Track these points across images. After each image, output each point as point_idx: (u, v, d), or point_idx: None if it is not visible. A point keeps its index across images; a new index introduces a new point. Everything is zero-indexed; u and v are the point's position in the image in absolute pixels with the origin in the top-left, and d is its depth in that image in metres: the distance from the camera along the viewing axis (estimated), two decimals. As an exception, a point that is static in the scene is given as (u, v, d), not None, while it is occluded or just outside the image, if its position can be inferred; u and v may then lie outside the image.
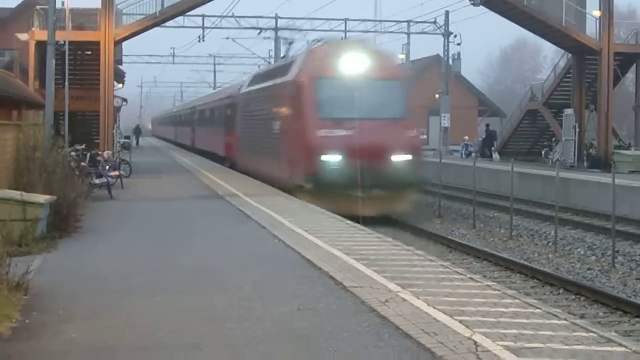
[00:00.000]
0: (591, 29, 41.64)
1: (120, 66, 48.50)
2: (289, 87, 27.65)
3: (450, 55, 58.93)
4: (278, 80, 30.33)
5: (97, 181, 25.99)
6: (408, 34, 61.13)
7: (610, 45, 40.84)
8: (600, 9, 41.16)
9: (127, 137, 60.39)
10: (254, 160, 34.25)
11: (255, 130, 33.89)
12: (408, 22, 60.47)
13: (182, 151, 63.03)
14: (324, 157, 24.88)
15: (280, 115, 29.20)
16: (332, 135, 24.98)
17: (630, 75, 51.21)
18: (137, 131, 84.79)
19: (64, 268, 13.21)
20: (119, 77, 47.94)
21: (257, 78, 36.77)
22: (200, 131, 58.67)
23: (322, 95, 25.95)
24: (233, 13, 55.16)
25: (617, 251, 20.00)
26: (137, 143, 79.25)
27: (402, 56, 64.10)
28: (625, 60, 44.26)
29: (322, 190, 24.54)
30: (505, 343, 8.40)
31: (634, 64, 45.33)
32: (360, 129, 24.66)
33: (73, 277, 12.36)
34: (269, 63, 67.50)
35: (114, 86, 40.29)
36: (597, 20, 41.39)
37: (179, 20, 49.95)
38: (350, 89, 25.45)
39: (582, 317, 13.04)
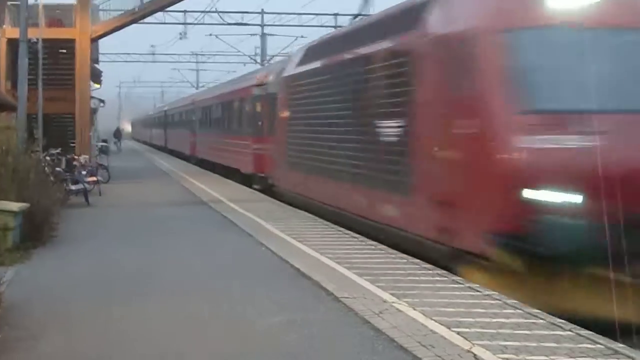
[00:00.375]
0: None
1: (97, 65, 48.35)
2: (440, 50, 14.32)
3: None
4: (400, 40, 16.34)
5: (73, 187, 25.93)
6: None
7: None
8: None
9: (105, 141, 60.31)
10: (328, 186, 20.76)
11: (332, 135, 20.17)
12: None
13: (168, 157, 62.68)
14: (539, 196, 11.68)
15: (409, 106, 15.47)
16: (559, 149, 12.07)
17: None
18: (118, 134, 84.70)
19: (38, 280, 13.17)
20: (96, 76, 47.81)
21: (323, 48, 22.93)
22: (207, 136, 47.11)
23: (530, 62, 12.96)
24: (216, 8, 55.26)
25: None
26: (119, 148, 79.16)
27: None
28: None
29: (536, 266, 11.25)
30: (507, 356, 8.40)
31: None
32: (624, 136, 12.18)
33: (48, 290, 12.32)
34: (255, 61, 67.47)
35: (90, 86, 40.22)
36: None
37: (159, 16, 50.01)
38: (594, 50, 12.74)
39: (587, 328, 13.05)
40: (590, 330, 9.42)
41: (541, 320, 9.88)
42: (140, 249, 16.41)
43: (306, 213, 22.01)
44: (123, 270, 13.99)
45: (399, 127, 16.24)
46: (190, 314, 10.61)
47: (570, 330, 9.38)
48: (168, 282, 12.92)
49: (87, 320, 10.26)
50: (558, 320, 9.87)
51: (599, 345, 8.75)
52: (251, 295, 11.73)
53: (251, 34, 64.76)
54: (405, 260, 14.44)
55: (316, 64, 22.65)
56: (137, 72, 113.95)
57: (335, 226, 19.25)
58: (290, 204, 23.93)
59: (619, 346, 8.77)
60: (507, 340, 8.93)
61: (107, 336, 9.49)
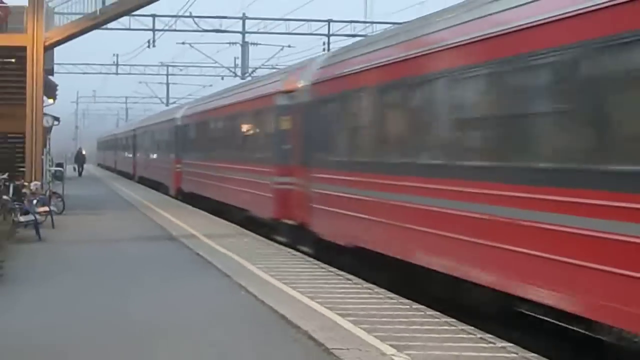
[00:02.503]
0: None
1: (51, 77, 48.46)
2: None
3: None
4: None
5: (22, 219, 25.92)
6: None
7: None
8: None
9: (60, 165, 60.28)
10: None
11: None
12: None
13: (135, 186, 62.55)
14: None
15: None
16: None
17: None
18: (80, 158, 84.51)
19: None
20: (50, 90, 47.86)
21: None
22: (199, 164, 39.84)
23: None
24: (190, 12, 55.22)
25: None
26: (80, 173, 79.09)
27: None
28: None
29: None
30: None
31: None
32: None
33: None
34: (235, 74, 67.54)
35: (43, 102, 40.25)
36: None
37: (124, 21, 50.13)
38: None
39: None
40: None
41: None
42: (99, 296, 16.30)
43: (292, 250, 22.05)
44: (80, 322, 13.89)
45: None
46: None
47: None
48: (131, 338, 12.90)
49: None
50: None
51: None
52: (230, 350, 11.74)
53: (230, 43, 64.92)
54: (407, 307, 14.47)
55: None
56: (97, 86, 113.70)
57: (327, 266, 19.29)
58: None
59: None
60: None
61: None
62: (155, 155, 55.06)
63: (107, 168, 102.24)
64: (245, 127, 32.33)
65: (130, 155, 72.22)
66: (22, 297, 15.92)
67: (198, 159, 39.82)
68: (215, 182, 35.58)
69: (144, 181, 59.89)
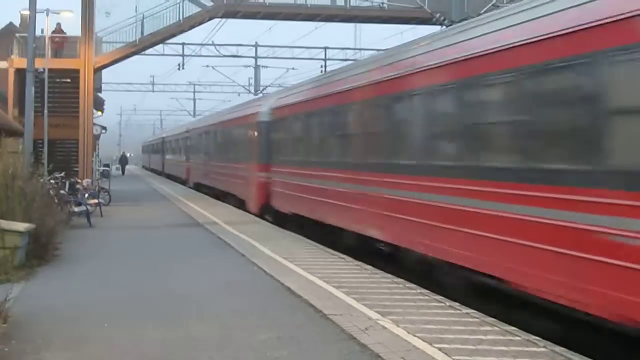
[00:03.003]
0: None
1: (99, 94, 48.50)
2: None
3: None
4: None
5: (76, 209, 25.95)
6: (388, 62, 61.26)
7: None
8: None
9: (107, 165, 60.19)
10: None
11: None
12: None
13: (167, 182, 62.33)
14: None
15: None
16: None
17: None
18: (123, 160, 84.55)
19: (42, 296, 13.16)
20: (99, 104, 47.93)
21: None
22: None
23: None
24: (213, 41, 55.26)
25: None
26: (123, 172, 79.06)
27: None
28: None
29: None
30: (484, 370, 8.45)
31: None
32: None
33: (52, 306, 12.31)
34: (249, 91, 67.53)
35: (93, 114, 40.27)
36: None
37: (159, 48, 50.03)
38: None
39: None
40: (564, 347, 9.46)
41: (517, 337, 9.92)
42: (139, 269, 16.42)
43: (295, 235, 22.06)
44: (123, 290, 13.96)
45: None
46: (186, 333, 10.62)
47: (544, 347, 9.42)
48: (165, 301, 12.93)
49: (89, 337, 10.26)
50: (533, 337, 9.91)
51: (571, 361, 8.79)
52: (244, 313, 11.74)
53: (245, 66, 64.89)
54: (390, 280, 14.47)
55: None
56: (137, 101, 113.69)
57: (324, 247, 19.28)
58: None
59: (590, 362, 8.79)
60: (485, 356, 8.97)
61: (107, 354, 9.50)
62: (222, 160, 39.92)
63: (153, 170, 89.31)
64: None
65: (183, 159, 59.25)
66: (76, 271, 15.94)
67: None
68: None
69: (201, 188, 46.35)
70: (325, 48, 59.19)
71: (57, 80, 37.84)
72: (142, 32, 38.24)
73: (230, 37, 58.84)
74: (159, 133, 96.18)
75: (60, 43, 38.46)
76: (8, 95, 38.04)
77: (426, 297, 12.75)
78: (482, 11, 19.12)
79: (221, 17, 39.47)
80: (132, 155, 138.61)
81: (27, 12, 27.59)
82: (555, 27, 10.65)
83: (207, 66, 64.95)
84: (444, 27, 21.50)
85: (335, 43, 64.63)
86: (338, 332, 10.35)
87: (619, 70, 9.45)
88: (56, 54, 38.12)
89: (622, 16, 9.24)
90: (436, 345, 9.42)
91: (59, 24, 38.50)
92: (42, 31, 36.72)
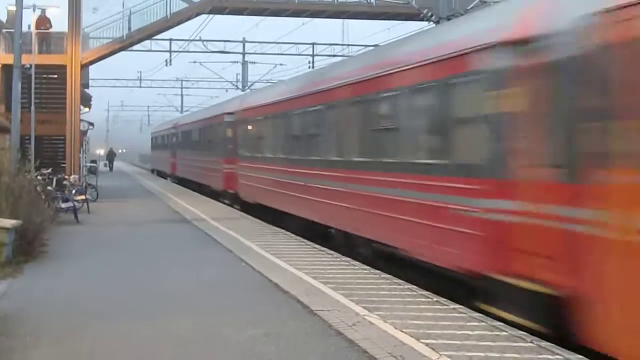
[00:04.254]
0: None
1: (86, 90, 48.33)
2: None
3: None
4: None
5: (63, 205, 25.90)
6: (375, 58, 61.24)
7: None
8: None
9: (94, 161, 60.01)
10: None
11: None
12: (375, 46, 60.63)
13: (155, 178, 62.19)
14: None
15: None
16: None
17: None
18: (111, 156, 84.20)
19: (29, 293, 13.15)
20: (86, 100, 47.77)
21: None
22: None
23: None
24: (200, 37, 55.03)
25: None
26: (111, 169, 78.72)
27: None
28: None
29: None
30: (471, 366, 8.48)
31: None
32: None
33: (39, 302, 12.31)
34: (237, 87, 67.51)
35: (80, 110, 40.17)
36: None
37: (146, 43, 49.91)
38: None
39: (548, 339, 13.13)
40: (551, 342, 9.51)
41: (504, 333, 9.96)
42: (127, 266, 16.40)
43: (283, 231, 22.08)
44: (111, 286, 13.96)
45: None
46: (173, 329, 10.63)
47: (531, 342, 9.46)
48: (152, 297, 12.93)
49: (77, 333, 10.26)
50: (520, 333, 9.96)
51: (558, 357, 8.83)
52: (232, 309, 11.76)
53: (233, 62, 64.77)
54: (377, 276, 14.50)
55: None
56: (124, 97, 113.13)
57: (311, 243, 19.31)
58: None
59: (577, 357, 8.85)
60: (472, 351, 9.00)
61: (95, 350, 9.50)
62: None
63: (182, 180, 50.38)
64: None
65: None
66: (64, 268, 15.92)
67: None
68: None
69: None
70: (313, 44, 59.20)
71: (44, 76, 37.70)
72: (129, 28, 38.14)
73: (217, 33, 58.76)
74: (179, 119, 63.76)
75: (47, 32, 38.25)
76: (-6, 91, 37.93)
77: (413, 293, 12.78)
78: (470, 7, 19.28)
79: (208, 13, 39.40)
80: (123, 151, 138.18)
81: (13, 8, 27.53)
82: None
83: (195, 62, 64.88)
84: (432, 23, 21.61)
85: (323, 39, 64.53)
86: (325, 327, 10.38)
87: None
88: (43, 42, 37.99)
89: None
90: (423, 341, 9.45)
91: (43, 11, 38.14)
92: (29, 27, 36.60)
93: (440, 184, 13.33)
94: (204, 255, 17.72)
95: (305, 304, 11.81)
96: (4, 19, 42.01)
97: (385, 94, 16.17)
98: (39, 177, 26.85)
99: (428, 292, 12.77)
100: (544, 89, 10.55)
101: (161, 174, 64.89)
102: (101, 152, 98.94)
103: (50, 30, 38.60)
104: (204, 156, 41.35)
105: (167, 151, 60.32)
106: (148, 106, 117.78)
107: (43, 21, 38.07)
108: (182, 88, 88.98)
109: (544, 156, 10.48)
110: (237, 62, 63.71)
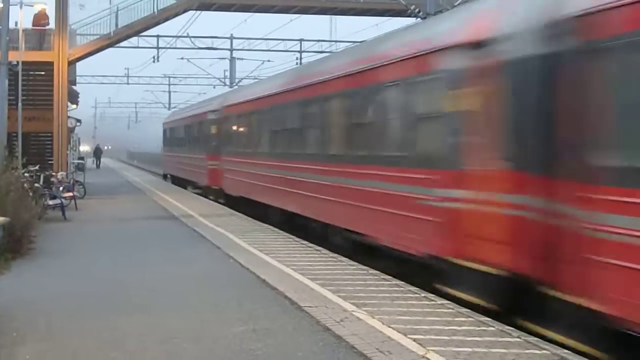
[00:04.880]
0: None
1: (74, 86, 48.17)
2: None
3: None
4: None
5: (51, 202, 25.84)
6: (363, 54, 61.32)
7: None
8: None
9: (81, 158, 59.85)
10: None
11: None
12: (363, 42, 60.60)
13: (142, 173, 62.00)
14: None
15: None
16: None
17: None
18: (98, 153, 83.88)
19: (17, 290, 13.12)
20: (73, 97, 47.62)
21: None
22: None
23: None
24: (188, 33, 55.03)
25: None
26: (98, 166, 78.39)
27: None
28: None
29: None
30: (459, 361, 8.51)
31: None
32: None
33: (26, 299, 12.29)
34: (224, 84, 67.46)
35: (67, 107, 40.07)
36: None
37: (133, 40, 49.76)
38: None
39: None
40: (538, 337, 9.56)
41: (491, 328, 10.00)
42: (115, 263, 16.38)
43: (271, 227, 22.10)
44: (99, 283, 13.94)
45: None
46: (161, 325, 10.63)
47: (518, 337, 9.50)
48: (141, 294, 12.93)
49: (64, 331, 10.25)
50: (507, 328, 10.01)
51: (545, 351, 8.87)
52: (220, 305, 11.76)
53: (220, 58, 64.80)
54: (365, 272, 14.53)
55: None
56: (112, 93, 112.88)
57: (299, 239, 19.33)
58: None
59: (564, 352, 8.90)
60: (460, 347, 9.03)
61: (83, 346, 9.50)
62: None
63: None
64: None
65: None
66: (51, 265, 15.91)
67: None
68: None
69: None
70: (301, 40, 59.16)
71: (31, 73, 37.57)
72: (116, 25, 38.05)
73: (205, 29, 58.70)
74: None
75: (43, 28, 38.11)
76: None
77: (401, 289, 12.82)
78: (456, 3, 19.30)
79: (196, 9, 39.39)
80: (108, 148, 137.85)
81: (0, 5, 27.42)
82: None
83: (182, 58, 64.82)
84: (419, 19, 21.64)
85: (310, 35, 64.56)
86: (313, 323, 10.39)
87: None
88: (40, 38, 37.85)
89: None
90: (411, 336, 9.48)
91: (44, 9, 38.03)
92: (16, 24, 36.48)
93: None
94: (192, 251, 17.71)
95: (293, 300, 11.82)
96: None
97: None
98: (26, 174, 26.77)
99: (416, 288, 12.81)
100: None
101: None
102: (87, 148, 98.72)
103: (40, 28, 38.49)
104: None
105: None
106: (135, 103, 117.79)
107: (42, 17, 37.99)
108: (169, 85, 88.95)
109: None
110: (225, 58, 63.70)
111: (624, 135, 8.71)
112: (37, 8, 37.21)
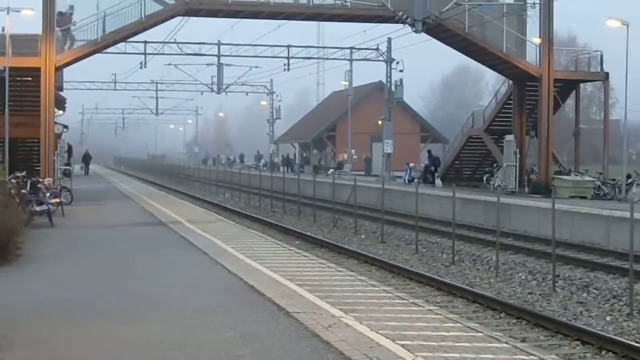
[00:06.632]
0: (532, 55, 41.95)
1: (61, 92, 48.08)
2: None
3: (392, 81, 59.33)
4: None
5: (37, 209, 25.77)
6: (351, 60, 61.51)
7: (550, 72, 41.18)
8: (540, 36, 41.71)
9: (68, 165, 59.69)
10: None
11: None
12: (351, 48, 60.81)
13: (130, 180, 62.01)
14: None
15: None
16: None
17: (570, 101, 51.96)
18: (86, 159, 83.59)
19: (3, 296, 13.06)
20: (60, 103, 47.49)
21: None
22: None
23: None
24: (175, 39, 54.99)
25: (558, 275, 20.18)
26: (86, 172, 78.11)
27: (345, 83, 64.75)
28: (565, 87, 44.74)
29: None
30: (447, 367, 8.51)
31: (574, 91, 45.97)
32: None
33: (13, 305, 12.23)
34: (212, 90, 67.50)
35: (54, 113, 39.98)
36: (538, 47, 41.87)
37: (121, 46, 49.78)
38: None
39: (523, 340, 13.16)
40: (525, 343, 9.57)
41: (480, 334, 10.00)
42: (102, 269, 16.33)
43: (259, 233, 22.08)
44: (85, 290, 13.90)
45: None
46: (148, 332, 10.60)
47: (506, 343, 9.51)
48: (128, 300, 12.89)
49: (51, 337, 10.21)
50: (495, 333, 10.01)
51: (532, 357, 8.88)
52: (207, 311, 11.74)
53: (208, 64, 64.84)
54: (353, 278, 14.54)
55: None
56: (99, 99, 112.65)
57: (287, 245, 19.32)
58: None
59: (551, 357, 8.91)
60: (448, 352, 9.03)
61: (69, 352, 9.46)
62: None
63: None
64: None
65: None
66: (38, 271, 15.83)
67: None
68: None
69: None
70: (289, 46, 59.21)
71: (18, 78, 37.50)
72: (103, 30, 37.97)
73: (192, 35, 58.68)
74: None
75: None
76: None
77: (389, 295, 12.82)
78: (445, 9, 19.33)
79: (183, 15, 39.35)
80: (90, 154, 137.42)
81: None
82: None
83: (170, 64, 64.86)
84: (407, 25, 21.65)
85: (298, 41, 64.54)
86: (301, 329, 10.38)
87: None
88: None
89: None
90: (399, 342, 9.47)
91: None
92: (3, 29, 36.40)
93: None
94: (179, 258, 17.68)
95: (281, 306, 11.81)
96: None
97: None
98: (12, 180, 26.70)
99: (404, 294, 12.81)
100: None
101: None
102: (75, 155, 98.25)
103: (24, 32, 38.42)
104: None
105: None
106: (123, 109, 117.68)
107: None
108: (157, 90, 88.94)
109: None
110: (213, 64, 63.80)
111: None
112: (24, 14, 37.12)
